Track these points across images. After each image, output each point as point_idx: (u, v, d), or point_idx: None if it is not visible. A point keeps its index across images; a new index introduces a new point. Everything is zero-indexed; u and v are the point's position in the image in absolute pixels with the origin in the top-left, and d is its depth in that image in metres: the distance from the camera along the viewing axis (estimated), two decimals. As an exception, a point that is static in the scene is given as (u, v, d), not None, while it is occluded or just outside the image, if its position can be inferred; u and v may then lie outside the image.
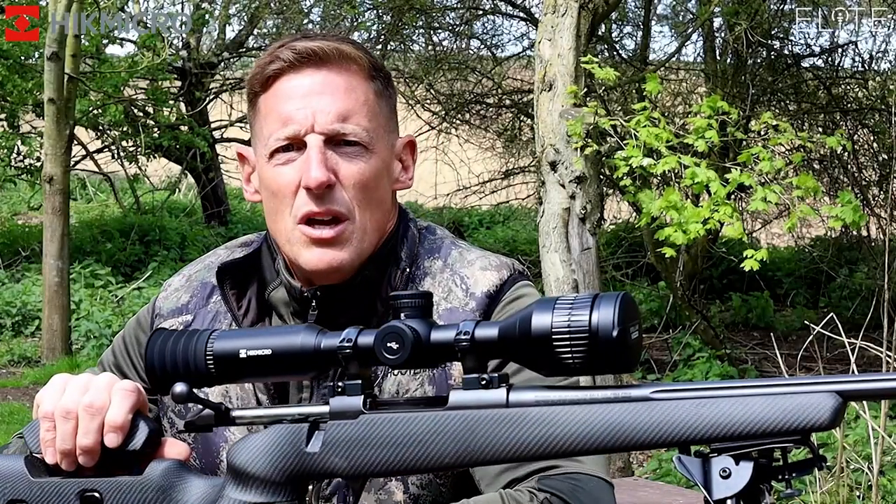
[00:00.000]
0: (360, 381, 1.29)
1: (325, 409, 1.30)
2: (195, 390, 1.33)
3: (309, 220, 1.60)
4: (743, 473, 1.13)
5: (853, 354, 4.75)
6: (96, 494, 1.36)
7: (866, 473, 5.08)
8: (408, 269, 1.67)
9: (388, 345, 1.26)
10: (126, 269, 12.30)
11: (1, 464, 1.40)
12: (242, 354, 1.31)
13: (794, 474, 1.15)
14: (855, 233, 10.51)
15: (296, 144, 1.59)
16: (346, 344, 1.28)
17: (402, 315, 1.28)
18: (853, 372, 4.70)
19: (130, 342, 1.78)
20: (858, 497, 5.16)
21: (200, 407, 1.36)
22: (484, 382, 1.24)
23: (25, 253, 12.34)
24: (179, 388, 1.31)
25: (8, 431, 7.02)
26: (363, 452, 1.25)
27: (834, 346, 6.47)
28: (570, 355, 1.18)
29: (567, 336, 1.18)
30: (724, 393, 1.15)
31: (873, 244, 10.61)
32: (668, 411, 1.16)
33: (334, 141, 1.59)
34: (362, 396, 1.28)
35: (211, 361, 1.33)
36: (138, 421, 1.38)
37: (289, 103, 1.59)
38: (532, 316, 1.20)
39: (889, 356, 4.87)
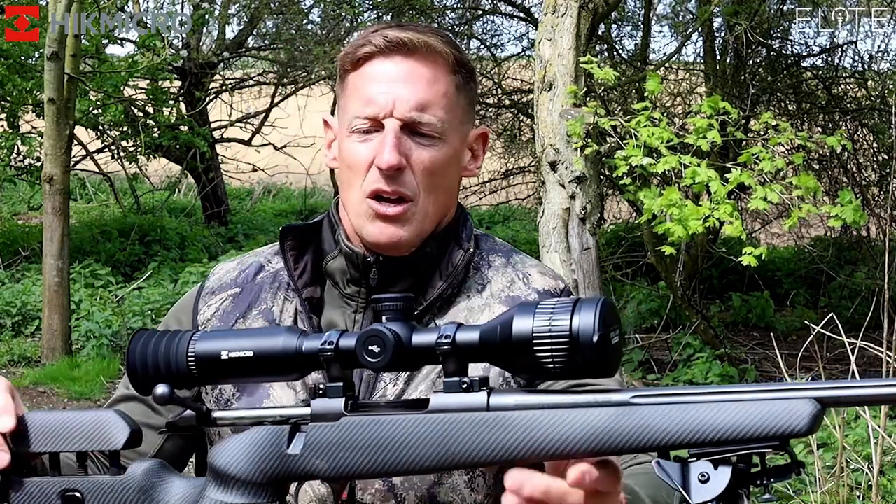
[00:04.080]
0: (341, 384, 1.30)
1: (307, 410, 1.30)
2: (177, 391, 1.33)
3: (377, 196, 1.65)
4: (721, 478, 1.14)
5: (853, 354, 4.75)
6: (77, 494, 1.36)
7: (866, 473, 5.08)
8: (471, 250, 1.72)
9: (370, 348, 1.27)
10: (126, 269, 12.30)
11: None
12: (224, 356, 1.32)
13: (772, 479, 1.15)
14: (855, 233, 10.51)
15: (375, 125, 1.65)
16: (328, 346, 1.29)
17: (384, 318, 1.29)
18: (853, 372, 4.71)
19: (167, 323, 1.82)
20: (858, 497, 5.16)
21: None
22: (465, 386, 1.25)
23: (25, 253, 12.33)
24: (161, 389, 1.31)
25: (8, 431, 7.00)
26: (344, 455, 1.26)
27: (834, 346, 6.47)
28: (550, 359, 1.19)
29: (548, 340, 1.19)
30: (703, 399, 1.16)
31: (873, 244, 10.61)
32: (648, 416, 1.17)
33: (410, 128, 1.65)
34: (343, 399, 1.29)
35: (192, 363, 1.33)
36: (120, 421, 1.37)
37: (374, 86, 1.65)
38: (513, 320, 1.21)
39: (889, 356, 4.86)
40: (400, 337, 1.27)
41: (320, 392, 1.30)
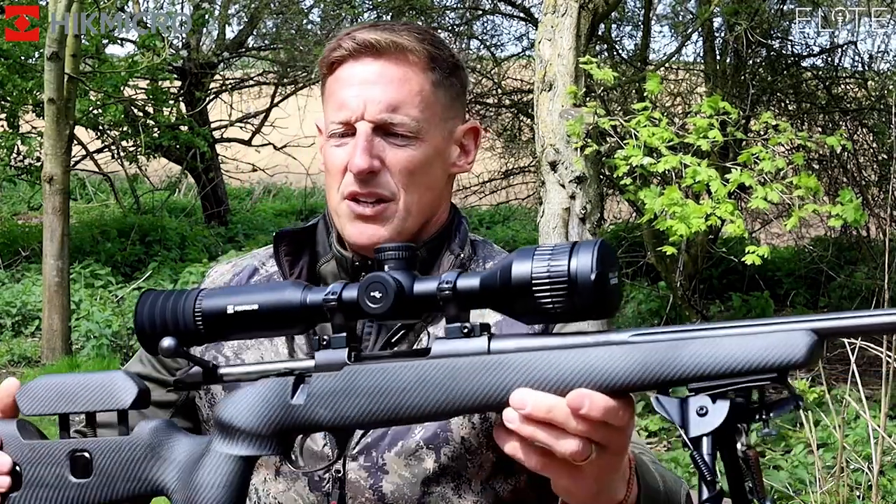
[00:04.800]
0: (344, 334, 1.31)
1: (311, 363, 1.32)
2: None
3: (354, 198, 1.65)
4: (719, 411, 1.14)
5: (853, 354, 4.75)
6: (86, 454, 1.38)
7: (866, 473, 5.08)
8: (462, 256, 1.71)
9: (372, 294, 1.28)
10: (126, 269, 12.31)
11: None
12: (230, 310, 1.34)
13: (771, 413, 1.15)
14: (855, 233, 10.51)
15: (349, 129, 1.65)
16: (331, 297, 1.31)
17: (387, 267, 1.30)
18: (853, 372, 4.71)
19: None
20: (858, 497, 5.16)
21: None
22: (466, 331, 1.26)
23: (25, 253, 12.34)
24: (167, 342, 1.33)
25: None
26: (347, 403, 1.27)
27: (834, 346, 6.47)
28: (550, 301, 1.20)
29: (547, 283, 1.20)
30: (700, 335, 1.17)
31: (873, 244, 10.61)
32: (647, 353, 1.18)
33: (383, 129, 1.64)
34: (347, 349, 1.31)
35: (199, 318, 1.35)
36: (128, 381, 1.38)
37: (346, 90, 1.65)
38: (512, 264, 1.22)
39: (889, 356, 4.87)
40: (401, 284, 1.28)
41: (324, 343, 1.32)
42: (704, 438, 1.13)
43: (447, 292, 1.26)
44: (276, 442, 1.31)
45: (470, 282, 1.26)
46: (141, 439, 1.37)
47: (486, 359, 1.23)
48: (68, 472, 1.38)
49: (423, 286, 1.28)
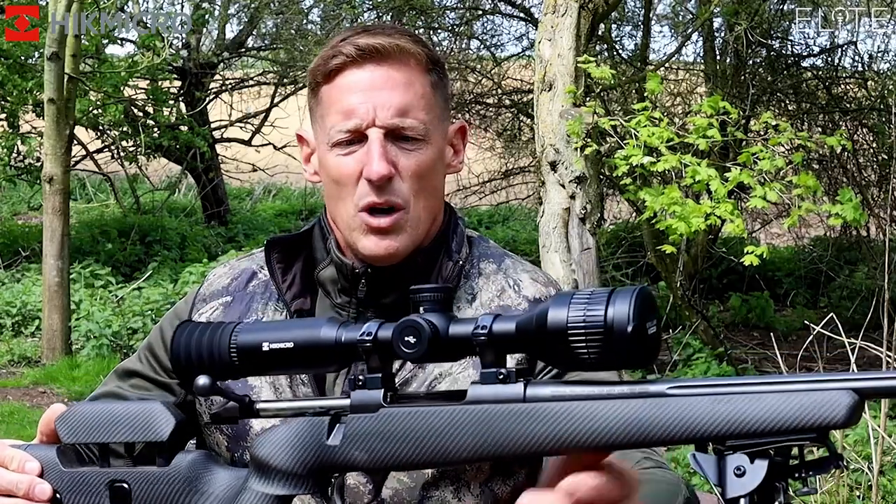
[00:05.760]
0: (380, 375, 1.30)
1: (346, 402, 1.31)
2: (219, 383, 1.34)
3: (370, 209, 1.64)
4: (758, 471, 1.13)
5: (853, 354, 4.75)
6: (125, 485, 1.38)
7: (866, 473, 5.08)
8: (460, 262, 1.71)
9: (406, 339, 1.26)
10: (126, 269, 12.30)
11: (34, 454, 1.43)
12: (265, 347, 1.33)
13: (810, 473, 1.14)
14: (855, 233, 10.51)
15: (357, 136, 1.64)
16: (367, 337, 1.29)
17: (422, 309, 1.28)
18: (853, 372, 4.70)
19: (165, 330, 1.81)
20: (858, 497, 5.16)
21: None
22: (501, 377, 1.24)
23: (25, 253, 12.34)
24: (202, 381, 1.32)
25: (8, 431, 7.02)
26: (382, 446, 1.26)
27: (834, 346, 6.47)
28: (585, 350, 1.18)
29: (582, 331, 1.17)
30: (740, 389, 1.15)
31: (873, 244, 10.61)
32: (684, 407, 1.16)
33: (394, 134, 1.64)
34: (382, 390, 1.30)
35: (234, 354, 1.34)
36: (165, 412, 1.39)
37: (351, 97, 1.63)
38: (549, 310, 1.19)
39: (889, 356, 4.87)
40: (436, 328, 1.26)
41: (360, 383, 1.31)
42: (742, 500, 1.12)
43: (482, 337, 1.24)
44: (311, 482, 1.30)
45: (506, 326, 1.24)
46: (179, 472, 1.37)
47: (521, 407, 1.22)
48: (108, 502, 1.39)
49: (459, 329, 1.26)
